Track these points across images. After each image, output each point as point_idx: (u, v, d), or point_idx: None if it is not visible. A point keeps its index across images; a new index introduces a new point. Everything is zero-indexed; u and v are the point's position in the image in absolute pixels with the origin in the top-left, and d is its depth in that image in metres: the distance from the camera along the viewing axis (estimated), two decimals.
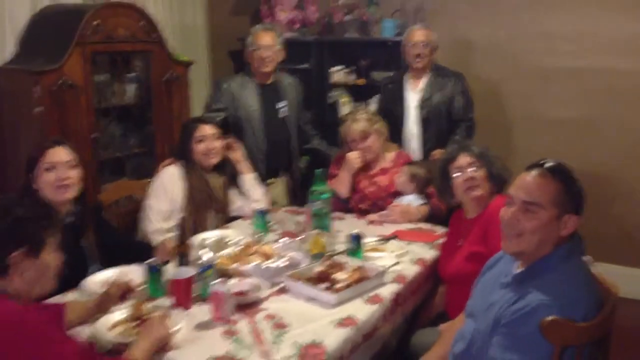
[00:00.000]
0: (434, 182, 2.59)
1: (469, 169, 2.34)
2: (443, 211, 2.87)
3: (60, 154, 2.28)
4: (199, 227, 2.78)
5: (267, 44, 3.42)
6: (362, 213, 3.06)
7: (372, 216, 2.98)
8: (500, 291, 1.68)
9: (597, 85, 3.72)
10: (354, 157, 3.09)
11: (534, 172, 1.65)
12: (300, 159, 3.82)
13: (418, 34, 3.50)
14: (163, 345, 1.74)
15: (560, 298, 1.52)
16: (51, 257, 1.63)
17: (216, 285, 1.92)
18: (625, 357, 2.42)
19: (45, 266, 1.61)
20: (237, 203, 3.03)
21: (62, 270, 1.68)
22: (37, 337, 1.47)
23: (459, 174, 2.35)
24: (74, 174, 2.28)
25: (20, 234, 1.56)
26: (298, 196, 3.61)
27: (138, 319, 1.88)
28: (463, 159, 2.36)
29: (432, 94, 3.51)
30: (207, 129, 2.85)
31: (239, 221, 2.98)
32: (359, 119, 3.12)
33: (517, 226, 1.63)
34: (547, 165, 1.66)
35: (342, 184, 3.11)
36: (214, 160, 2.86)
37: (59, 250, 1.66)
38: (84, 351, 1.57)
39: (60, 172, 2.24)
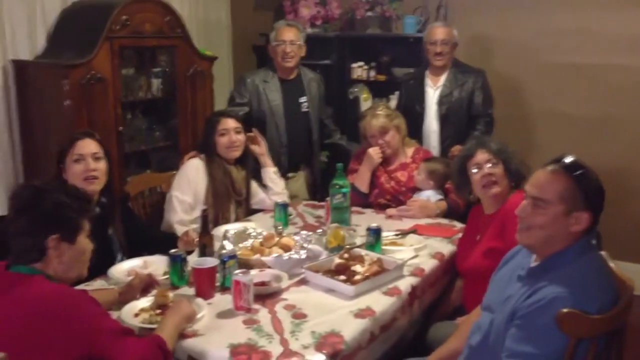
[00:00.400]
0: (452, 178, 2.61)
1: (487, 166, 2.35)
2: (461, 207, 2.89)
3: (89, 146, 2.35)
4: (221, 219, 2.85)
5: (291, 39, 3.47)
6: (381, 208, 3.10)
7: (391, 211, 3.01)
8: (517, 284, 1.71)
9: (618, 83, 3.72)
10: (374, 153, 3.12)
11: (548, 169, 1.67)
12: (321, 154, 3.87)
13: (438, 32, 3.52)
14: (186, 327, 1.81)
15: (575, 291, 1.54)
16: (86, 242, 1.70)
17: (238, 275, 1.97)
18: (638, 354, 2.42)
19: (81, 250, 1.68)
20: (258, 196, 3.08)
21: (92, 258, 1.75)
22: (82, 310, 1.55)
23: (476, 170, 2.37)
24: (101, 166, 2.35)
25: (58, 219, 1.63)
26: (318, 190, 3.66)
27: (162, 306, 1.94)
28: (481, 156, 2.38)
29: (452, 90, 3.53)
30: (230, 123, 2.91)
31: (260, 214, 3.04)
32: (379, 115, 3.15)
33: (526, 220, 1.67)
34: (562, 161, 1.67)
35: (361, 179, 3.15)
36: (236, 153, 2.92)
37: (90, 237, 1.73)
38: (123, 327, 1.65)
39: (87, 163, 2.31)
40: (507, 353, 1.59)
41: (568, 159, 1.68)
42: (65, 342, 1.50)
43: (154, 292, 2.03)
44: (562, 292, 1.54)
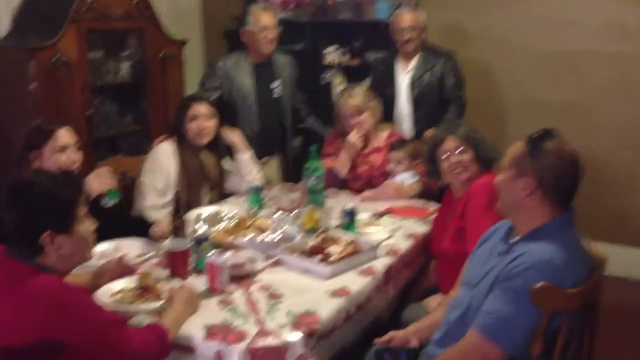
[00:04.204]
0: (423, 164, 2.62)
1: (456, 152, 2.37)
2: (435, 189, 2.91)
3: (69, 136, 2.32)
4: (194, 203, 2.80)
5: (271, 24, 3.42)
6: (357, 192, 3.09)
7: (366, 193, 3.01)
8: (497, 258, 1.73)
9: (591, 69, 3.74)
10: (355, 138, 3.10)
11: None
12: (294, 138, 3.84)
13: (405, 19, 3.50)
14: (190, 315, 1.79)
15: (556, 259, 1.58)
16: (85, 228, 1.62)
17: (212, 256, 1.95)
18: (614, 334, 2.47)
19: (80, 239, 1.60)
20: (232, 180, 3.05)
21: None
22: (78, 305, 1.50)
23: (445, 157, 2.38)
24: (80, 157, 2.33)
25: (49, 214, 1.54)
26: (292, 175, 3.64)
27: (143, 288, 1.92)
28: (450, 143, 2.38)
29: (423, 73, 3.53)
30: (201, 108, 2.85)
31: (233, 197, 3.01)
32: (355, 95, 3.14)
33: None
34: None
35: (342, 165, 3.12)
36: (205, 140, 2.86)
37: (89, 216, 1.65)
38: (118, 319, 1.60)
39: (70, 154, 2.28)
40: (485, 309, 1.62)
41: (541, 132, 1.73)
42: (66, 337, 1.46)
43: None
44: (543, 259, 1.58)
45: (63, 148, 2.27)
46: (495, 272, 1.67)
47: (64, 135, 2.29)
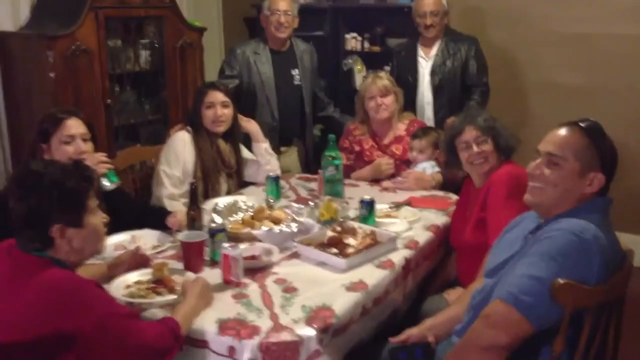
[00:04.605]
0: (442, 154, 2.56)
1: (475, 143, 2.30)
2: (458, 179, 2.84)
3: (79, 127, 2.24)
4: (211, 192, 2.79)
5: (285, 9, 3.38)
6: (377, 181, 3.05)
7: (386, 183, 2.96)
8: (520, 244, 1.67)
9: (612, 52, 3.64)
10: (385, 163, 3.02)
11: (562, 128, 1.65)
12: (314, 127, 3.80)
13: (426, 4, 3.43)
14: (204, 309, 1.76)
15: (589, 232, 1.50)
16: (96, 220, 1.59)
17: (227, 248, 1.92)
18: (637, 326, 2.39)
19: (91, 231, 1.57)
20: (251, 169, 3.02)
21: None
22: (89, 298, 1.47)
23: (465, 148, 2.31)
24: (89, 148, 2.26)
25: (59, 206, 1.50)
26: (311, 164, 3.60)
27: (158, 281, 1.90)
28: (469, 133, 2.31)
29: (445, 60, 3.45)
30: (218, 96, 2.82)
31: (252, 187, 2.99)
32: (382, 77, 3.11)
33: (539, 178, 1.63)
34: (576, 120, 1.65)
35: (360, 178, 3.08)
36: (221, 128, 2.82)
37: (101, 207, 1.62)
38: (131, 312, 1.58)
39: (78, 145, 2.22)
40: (509, 279, 1.53)
41: (584, 121, 1.65)
42: (77, 331, 1.43)
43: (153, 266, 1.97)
44: (575, 228, 1.50)
45: (71, 138, 2.21)
46: (519, 256, 1.61)
47: (73, 126, 2.22)
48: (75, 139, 2.22)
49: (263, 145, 3.03)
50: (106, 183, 2.24)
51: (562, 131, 1.64)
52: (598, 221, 1.56)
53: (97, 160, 2.23)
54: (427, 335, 1.81)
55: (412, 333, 1.82)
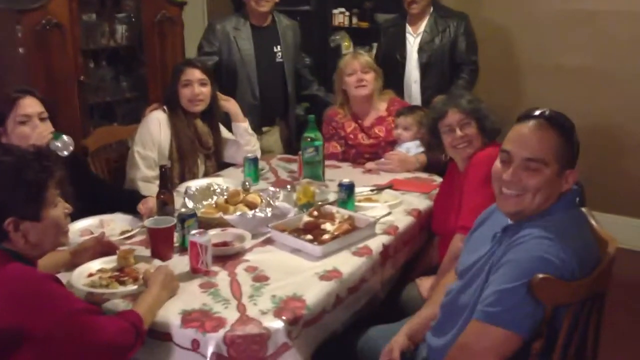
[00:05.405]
0: (425, 137, 2.46)
1: (459, 126, 2.20)
2: (441, 161, 2.75)
3: (34, 105, 2.11)
4: (188, 175, 2.70)
5: None
6: (359, 163, 2.96)
7: (370, 164, 2.88)
8: (491, 243, 1.58)
9: (615, 32, 3.51)
10: (372, 167, 2.90)
11: (531, 124, 1.50)
12: (297, 106, 3.69)
13: None
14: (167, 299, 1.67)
15: (561, 237, 1.41)
16: (56, 212, 1.49)
17: (195, 235, 1.84)
18: (623, 309, 2.35)
19: (50, 223, 1.47)
20: (231, 149, 2.92)
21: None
22: (43, 294, 1.39)
23: (448, 131, 2.22)
24: (47, 127, 2.13)
25: (9, 198, 1.40)
26: (294, 145, 3.50)
27: (122, 269, 1.81)
28: (452, 117, 2.21)
29: (433, 37, 3.33)
30: (195, 73, 2.71)
31: (231, 169, 2.90)
32: (362, 54, 3.04)
33: (519, 185, 1.49)
34: (545, 115, 1.51)
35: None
36: (199, 107, 2.72)
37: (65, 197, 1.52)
38: (89, 308, 1.48)
39: (34, 125, 2.09)
40: (483, 295, 1.44)
41: (549, 112, 1.52)
42: (28, 328, 1.35)
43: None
44: (548, 235, 1.41)
45: (27, 118, 2.08)
46: (489, 260, 1.52)
47: (28, 105, 2.09)
48: (32, 118, 2.09)
49: (243, 125, 2.92)
50: (58, 144, 2.11)
51: (533, 129, 1.49)
52: (569, 218, 1.48)
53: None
54: (409, 344, 1.74)
55: (393, 348, 1.73)
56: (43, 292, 1.39)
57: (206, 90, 2.73)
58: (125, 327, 1.48)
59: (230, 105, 2.92)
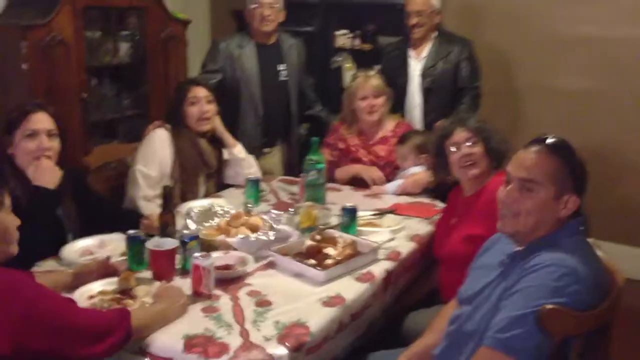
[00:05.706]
0: (430, 158, 2.46)
1: (466, 145, 2.20)
2: (449, 181, 2.74)
3: (44, 121, 2.12)
4: (189, 194, 2.68)
5: (269, 1, 3.25)
6: (358, 184, 2.95)
7: (378, 188, 2.86)
8: (498, 270, 1.58)
9: (615, 56, 3.54)
10: (378, 177, 2.94)
11: (532, 149, 1.55)
12: (300, 126, 3.69)
13: (412, 3, 3.30)
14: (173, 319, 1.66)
15: (574, 265, 1.41)
16: (2, 214, 1.46)
17: (198, 258, 1.82)
18: (630, 341, 2.32)
19: None
20: (232, 169, 2.91)
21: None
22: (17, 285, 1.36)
23: (455, 150, 2.22)
24: (55, 146, 2.14)
25: None
26: (295, 165, 3.49)
27: (124, 291, 1.79)
28: (459, 135, 2.22)
29: (437, 61, 3.34)
30: (200, 91, 2.72)
31: (231, 189, 2.88)
32: (374, 76, 3.04)
33: (512, 206, 1.53)
34: (547, 141, 1.54)
35: (343, 176, 3.01)
36: (207, 126, 2.72)
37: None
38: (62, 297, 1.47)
39: (41, 141, 2.09)
40: (495, 321, 1.44)
41: (552, 139, 1.55)
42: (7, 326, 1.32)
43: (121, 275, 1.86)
44: (561, 264, 1.41)
45: (34, 133, 2.09)
46: (498, 287, 1.52)
47: (38, 120, 2.10)
48: (39, 134, 2.09)
49: (235, 149, 2.88)
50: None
51: (533, 153, 1.53)
52: (577, 246, 1.49)
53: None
54: None
55: None
56: (12, 282, 1.36)
57: (212, 108, 2.74)
58: (106, 315, 1.48)
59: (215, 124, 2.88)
